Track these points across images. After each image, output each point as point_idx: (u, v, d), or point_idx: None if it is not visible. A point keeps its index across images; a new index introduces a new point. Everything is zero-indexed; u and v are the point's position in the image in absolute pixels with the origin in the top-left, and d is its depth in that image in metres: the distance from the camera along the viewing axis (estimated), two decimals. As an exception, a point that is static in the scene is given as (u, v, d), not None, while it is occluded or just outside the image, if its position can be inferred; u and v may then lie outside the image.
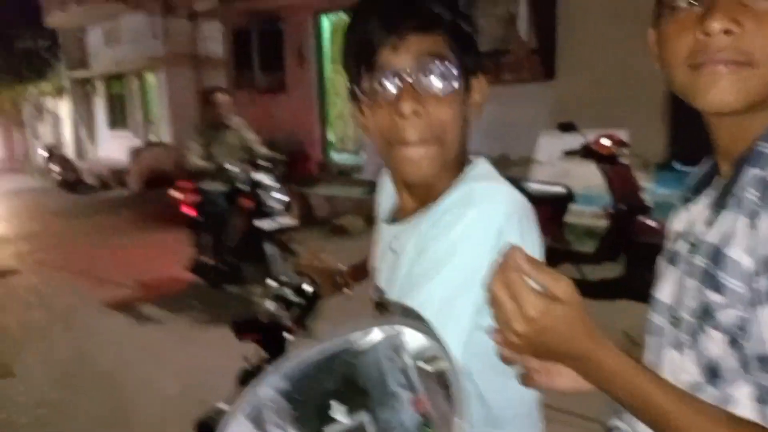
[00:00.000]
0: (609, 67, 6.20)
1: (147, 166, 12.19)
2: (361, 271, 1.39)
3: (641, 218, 4.30)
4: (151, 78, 14.51)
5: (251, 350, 1.32)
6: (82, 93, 17.39)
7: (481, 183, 0.86)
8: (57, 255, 7.27)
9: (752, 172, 0.67)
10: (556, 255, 4.41)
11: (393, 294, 0.91)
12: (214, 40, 12.83)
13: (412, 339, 0.56)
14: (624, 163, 4.51)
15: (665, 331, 0.78)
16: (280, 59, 10.22)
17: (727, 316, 0.65)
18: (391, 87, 0.82)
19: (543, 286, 0.62)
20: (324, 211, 8.36)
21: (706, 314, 0.68)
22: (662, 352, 0.78)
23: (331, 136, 10.13)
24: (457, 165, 0.90)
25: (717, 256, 0.68)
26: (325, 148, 10.05)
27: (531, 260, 0.62)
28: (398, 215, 0.99)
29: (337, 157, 9.99)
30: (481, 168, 0.91)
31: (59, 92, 17.99)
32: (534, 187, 4.59)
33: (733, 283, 0.65)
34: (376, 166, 8.99)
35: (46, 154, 15.26)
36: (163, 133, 13.61)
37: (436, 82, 0.82)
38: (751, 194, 0.66)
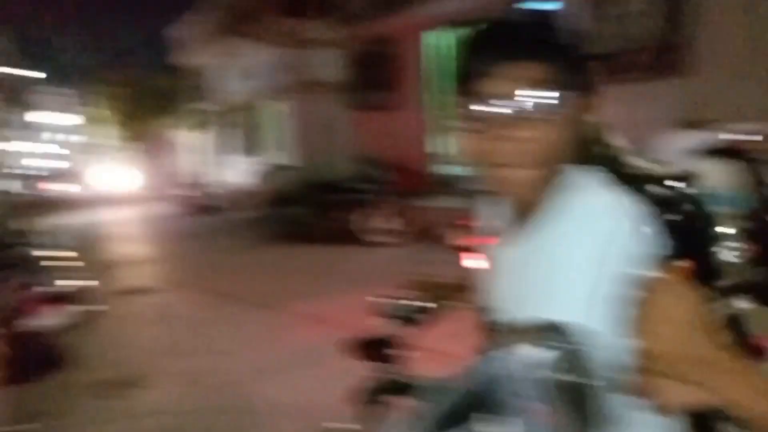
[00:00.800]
0: (743, 61, 5.62)
1: (273, 188, 12.83)
2: (470, 285, 1.35)
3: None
4: (278, 106, 15.39)
5: (373, 368, 1.30)
6: (218, 123, 18.80)
7: (596, 192, 0.88)
8: (188, 273, 7.80)
9: None
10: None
11: (518, 309, 0.91)
12: (329, 65, 13.36)
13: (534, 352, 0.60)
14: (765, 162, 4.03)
15: None
16: (393, 78, 10.41)
17: None
18: (486, 113, 0.86)
19: None
20: (435, 224, 8.31)
21: None
22: None
23: (440, 149, 10.15)
24: (556, 180, 0.92)
25: None
26: (435, 161, 10.07)
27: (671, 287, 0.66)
28: (510, 236, 1.00)
29: (447, 170, 9.98)
30: (581, 175, 0.92)
31: (201, 124, 19.56)
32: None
33: None
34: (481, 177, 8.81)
35: (185, 183, 16.57)
36: (291, 157, 14.31)
37: (530, 109, 0.84)
38: None
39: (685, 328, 0.64)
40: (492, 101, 0.85)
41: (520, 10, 0.91)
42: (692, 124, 4.26)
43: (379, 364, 1.28)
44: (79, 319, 4.52)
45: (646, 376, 0.68)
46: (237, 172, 17.91)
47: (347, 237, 8.25)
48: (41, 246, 5.25)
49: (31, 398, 4.20)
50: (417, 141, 10.06)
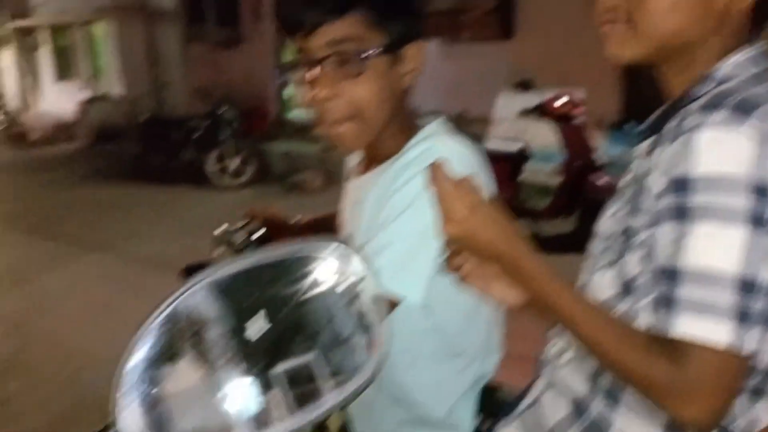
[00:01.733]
0: (566, 27, 6.22)
1: (95, 120, 11.76)
2: (320, 226, 1.42)
3: (592, 176, 4.42)
4: (99, 29, 13.89)
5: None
6: (26, 44, 16.54)
7: (439, 140, 0.91)
8: (3, 210, 7.00)
9: (683, 111, 0.72)
10: (512, 211, 4.49)
11: (355, 243, 0.95)
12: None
13: (369, 287, 0.59)
14: (578, 123, 4.59)
15: (597, 255, 0.84)
16: (235, 13, 9.89)
17: (643, 236, 0.73)
18: (307, 72, 0.87)
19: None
20: (282, 167, 8.26)
21: (628, 237, 0.75)
22: (591, 275, 0.84)
23: (288, 91, 9.94)
24: (407, 127, 0.96)
25: (640, 183, 0.75)
26: (283, 103, 9.87)
27: (449, 177, 0.72)
28: (359, 171, 1.06)
29: (295, 114, 9.83)
30: (438, 127, 0.97)
31: (1, 43, 17.05)
32: (491, 145, 4.64)
33: (646, 205, 0.72)
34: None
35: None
36: (113, 86, 13.12)
37: (347, 66, 0.85)
38: (672, 124, 0.72)
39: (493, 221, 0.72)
40: (309, 61, 0.86)
41: None
42: (520, 85, 4.70)
43: None
44: None
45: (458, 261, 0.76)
46: (50, 99, 16.06)
47: (189, 178, 7.87)
48: None
49: None
50: (264, 81, 9.75)
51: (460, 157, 0.88)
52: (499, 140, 4.93)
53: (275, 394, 0.55)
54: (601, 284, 0.80)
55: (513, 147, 4.74)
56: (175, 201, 7.24)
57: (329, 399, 0.57)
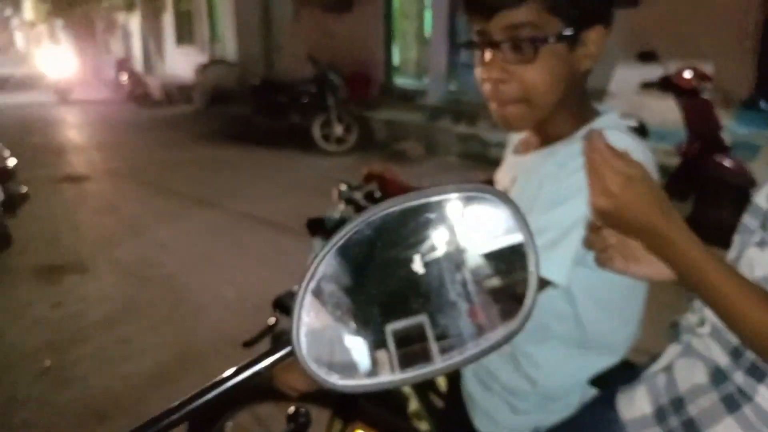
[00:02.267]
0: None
1: (211, 83, 12.34)
2: None
3: (717, 157, 4.08)
4: (217, -7, 14.48)
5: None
6: (152, 8, 17.56)
7: (617, 132, 0.89)
8: (124, 164, 7.57)
9: None
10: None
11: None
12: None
13: (473, 257, 0.59)
14: (704, 98, 4.24)
15: (754, 230, 0.79)
16: (347, -23, 9.95)
17: None
18: (483, 53, 0.91)
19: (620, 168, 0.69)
20: (384, 135, 8.32)
21: None
22: (744, 250, 0.79)
23: (395, 59, 9.91)
24: (580, 112, 0.96)
25: None
26: (389, 71, 9.86)
27: (609, 147, 0.70)
28: (521, 149, 1.07)
29: (401, 81, 9.81)
30: (613, 119, 0.95)
31: (130, 7, 18.22)
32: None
33: None
34: (439, 91, 8.83)
35: (115, 68, 15.64)
36: (228, 50, 13.67)
37: (522, 51, 0.87)
38: None
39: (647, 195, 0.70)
40: (486, 43, 0.89)
41: None
42: (642, 56, 4.39)
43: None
44: (7, 199, 4.35)
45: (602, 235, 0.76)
46: (173, 62, 17.02)
47: (296, 141, 8.15)
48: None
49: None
50: (372, 48, 9.78)
51: (632, 148, 0.86)
52: (613, 115, 4.66)
53: (384, 351, 0.57)
54: (756, 261, 0.76)
55: (630, 122, 4.46)
56: (281, 163, 7.50)
57: (438, 363, 0.57)
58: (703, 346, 0.83)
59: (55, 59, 15.60)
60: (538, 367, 1.02)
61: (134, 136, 9.98)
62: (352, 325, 0.57)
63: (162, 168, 7.36)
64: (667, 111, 4.54)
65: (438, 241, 0.58)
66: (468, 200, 0.58)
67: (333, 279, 0.54)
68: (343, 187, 1.44)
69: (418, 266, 0.57)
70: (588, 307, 0.97)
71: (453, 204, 0.58)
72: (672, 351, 0.90)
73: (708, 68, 4.47)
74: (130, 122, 11.49)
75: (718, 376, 0.80)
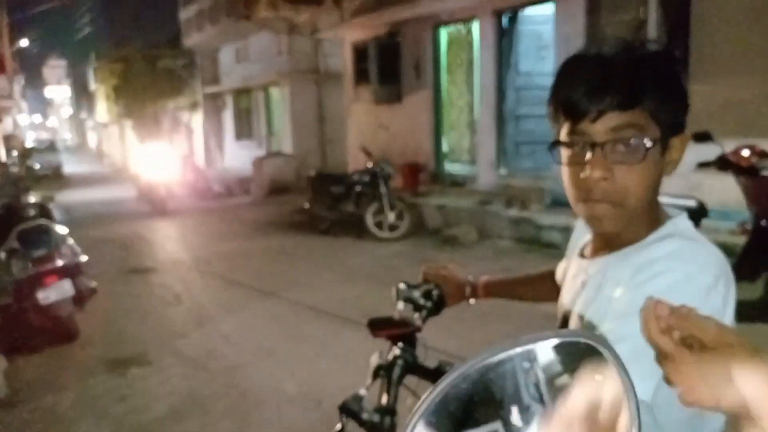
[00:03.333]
0: (748, 73, 5.74)
1: (268, 175, 12.85)
2: (492, 289, 1.46)
3: (786, 236, 3.93)
4: (275, 92, 15.34)
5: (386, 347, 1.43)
6: (213, 107, 18.75)
7: (691, 241, 0.89)
8: (188, 255, 7.85)
9: None
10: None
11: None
12: (334, 56, 13.34)
13: (545, 354, 0.57)
14: (765, 176, 4.14)
15: None
16: (397, 72, 10.42)
17: None
18: (584, 154, 0.90)
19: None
20: (437, 221, 8.39)
21: None
22: None
23: (444, 147, 10.15)
24: (653, 217, 0.95)
25: None
26: (439, 158, 10.08)
27: (674, 310, 0.65)
28: (588, 252, 1.06)
29: (451, 168, 9.99)
30: (685, 224, 0.95)
31: (194, 106, 19.51)
32: (663, 200, 4.32)
33: None
34: (489, 177, 8.93)
35: (184, 164, 16.50)
36: (284, 144, 14.31)
37: (627, 153, 0.88)
38: None
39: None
40: (591, 144, 0.89)
41: (612, 39, 0.93)
42: (698, 136, 4.37)
43: (390, 344, 1.42)
44: (77, 294, 4.57)
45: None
46: (231, 156, 17.90)
47: (350, 230, 8.33)
48: (51, 220, 5.29)
49: (35, 371, 4.25)
50: (422, 137, 10.09)
51: (713, 261, 0.87)
52: (671, 195, 4.59)
53: None
54: None
55: (690, 202, 4.37)
56: (337, 251, 7.63)
57: None
58: None
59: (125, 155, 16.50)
60: None
61: (197, 228, 10.38)
62: None
63: (223, 259, 7.59)
64: (726, 190, 4.45)
65: (538, 395, 0.57)
66: (565, 346, 0.58)
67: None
68: (402, 286, 1.46)
69: (522, 368, 0.56)
70: (671, 417, 0.91)
71: (549, 351, 0.57)
72: None
73: (765, 145, 4.40)
74: (194, 214, 11.98)
75: None
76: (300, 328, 4.83)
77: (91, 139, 44.39)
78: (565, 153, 0.93)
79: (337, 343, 4.33)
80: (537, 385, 0.57)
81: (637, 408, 0.57)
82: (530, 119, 8.55)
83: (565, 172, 0.95)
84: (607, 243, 1.00)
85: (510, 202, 7.81)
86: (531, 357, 0.57)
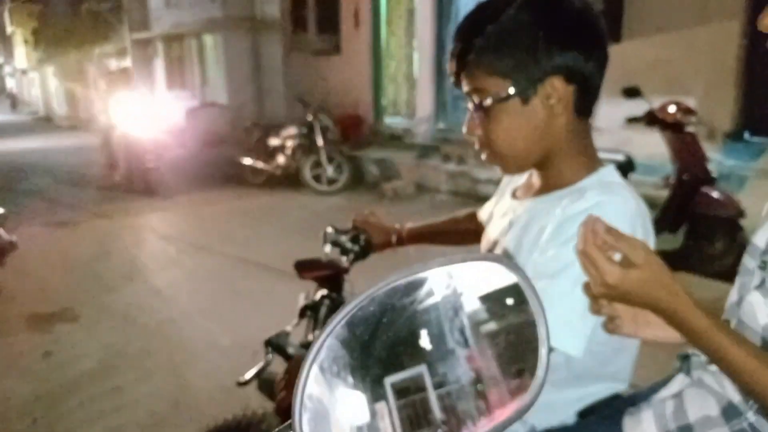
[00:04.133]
0: (677, 31, 5.90)
1: (202, 127, 12.43)
2: (417, 236, 1.51)
3: (705, 189, 4.13)
4: (209, 40, 14.71)
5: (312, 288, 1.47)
6: (143, 54, 17.81)
7: (612, 195, 0.93)
8: (118, 207, 7.55)
9: None
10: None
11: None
12: (270, 2, 12.85)
13: (470, 301, 0.58)
14: (690, 132, 4.32)
15: (754, 273, 0.81)
16: (335, 22, 10.15)
17: None
18: (466, 100, 1.01)
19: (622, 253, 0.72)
20: (375, 174, 8.37)
21: None
22: (746, 295, 0.80)
23: (383, 100, 10.05)
24: (582, 161, 0.99)
25: None
26: (378, 111, 9.99)
27: (609, 230, 0.71)
28: (521, 193, 1.11)
29: (390, 121, 9.93)
30: (611, 175, 0.99)
31: (122, 53, 18.49)
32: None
33: None
34: (428, 130, 8.93)
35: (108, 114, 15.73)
36: (219, 95, 13.83)
37: (480, 108, 0.98)
38: None
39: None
40: (469, 93, 0.98)
41: None
42: (627, 92, 4.48)
43: (317, 285, 1.47)
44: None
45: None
46: (161, 107, 17.18)
47: (287, 183, 8.19)
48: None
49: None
50: (361, 89, 9.93)
51: (625, 220, 0.90)
52: (602, 150, 4.72)
53: (383, 405, 0.55)
54: (757, 308, 0.77)
55: (618, 157, 4.52)
56: (272, 205, 7.52)
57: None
58: (715, 382, 0.84)
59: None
60: None
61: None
62: (357, 400, 0.56)
63: (153, 212, 7.34)
64: (653, 145, 4.62)
65: (445, 314, 0.57)
66: (474, 269, 0.58)
67: (337, 356, 0.54)
68: (330, 230, 1.51)
69: (425, 344, 0.57)
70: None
71: (459, 273, 0.57)
72: (681, 380, 0.92)
73: (691, 103, 4.57)
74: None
75: (731, 412, 0.81)
76: (235, 283, 4.76)
77: (9, 86, 41.58)
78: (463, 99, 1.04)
79: (273, 295, 4.30)
80: (462, 330, 0.58)
81: (547, 330, 0.57)
82: (469, 73, 8.55)
83: (465, 118, 1.03)
84: (540, 184, 1.05)
85: (448, 156, 7.86)
86: (447, 282, 0.57)
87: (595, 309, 0.79)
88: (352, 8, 9.80)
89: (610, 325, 0.81)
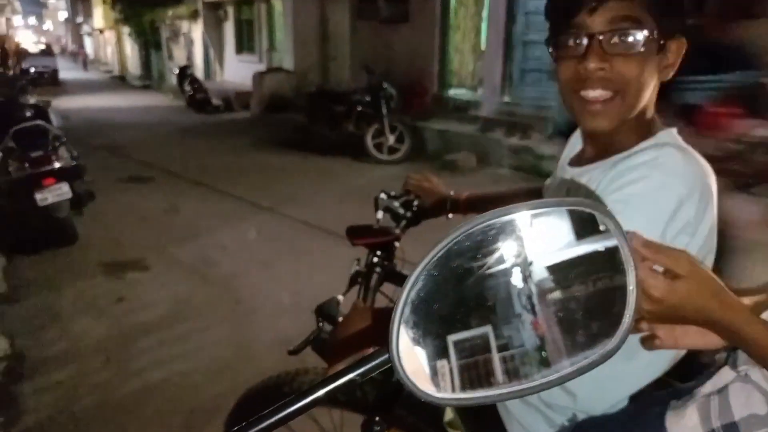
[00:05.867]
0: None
1: (268, 91, 12.63)
2: (474, 204, 1.43)
3: None
4: (278, 5, 14.82)
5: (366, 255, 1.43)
6: (214, 18, 18.14)
7: (671, 151, 0.89)
8: (186, 167, 7.82)
9: None
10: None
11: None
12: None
13: (540, 269, 0.58)
14: None
15: None
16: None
17: None
18: (582, 45, 0.90)
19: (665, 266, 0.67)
20: (437, 145, 8.33)
21: None
22: None
23: (449, 71, 9.93)
24: (644, 126, 0.95)
25: None
26: (443, 82, 9.88)
27: (648, 244, 0.67)
28: (578, 160, 1.06)
29: (454, 92, 9.82)
30: (671, 137, 0.94)
31: (194, 16, 18.87)
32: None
33: None
34: (493, 103, 8.79)
35: (177, 74, 16.18)
36: (285, 60, 13.98)
37: (624, 44, 0.88)
38: None
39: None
40: (588, 35, 0.89)
41: None
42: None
43: (368, 252, 1.42)
44: (75, 197, 4.59)
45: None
46: (231, 70, 17.51)
47: (349, 150, 8.27)
48: (49, 122, 5.23)
49: (34, 270, 4.33)
50: (427, 59, 9.83)
51: (691, 173, 0.88)
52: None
53: (445, 362, 0.56)
54: None
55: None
56: (334, 171, 7.62)
57: (536, 380, 0.57)
58: (763, 378, 0.81)
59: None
60: (578, 380, 0.99)
61: (195, 141, 10.31)
62: (447, 339, 0.56)
63: (220, 172, 7.58)
64: None
65: (533, 258, 0.58)
66: (566, 213, 0.58)
67: (428, 293, 0.55)
68: (383, 196, 1.46)
69: (516, 282, 0.58)
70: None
71: (549, 218, 0.58)
72: (726, 375, 0.88)
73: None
74: (192, 127, 11.88)
75: None
76: (295, 243, 4.89)
77: (87, 45, 43.24)
78: (562, 47, 0.92)
79: (332, 258, 4.39)
80: (529, 297, 0.58)
81: (636, 277, 0.57)
82: (538, 46, 8.30)
83: (561, 68, 0.94)
84: (596, 151, 1.00)
85: (511, 130, 7.73)
86: (528, 221, 0.58)
87: (636, 327, 0.76)
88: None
89: (649, 344, 0.79)
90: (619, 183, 0.88)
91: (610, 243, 0.58)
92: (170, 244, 4.88)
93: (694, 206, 0.86)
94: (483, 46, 9.12)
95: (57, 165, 4.48)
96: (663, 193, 0.85)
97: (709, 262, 0.92)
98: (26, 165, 4.38)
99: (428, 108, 9.45)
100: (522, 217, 0.56)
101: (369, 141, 8.05)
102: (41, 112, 5.61)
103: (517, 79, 8.55)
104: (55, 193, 4.39)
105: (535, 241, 0.58)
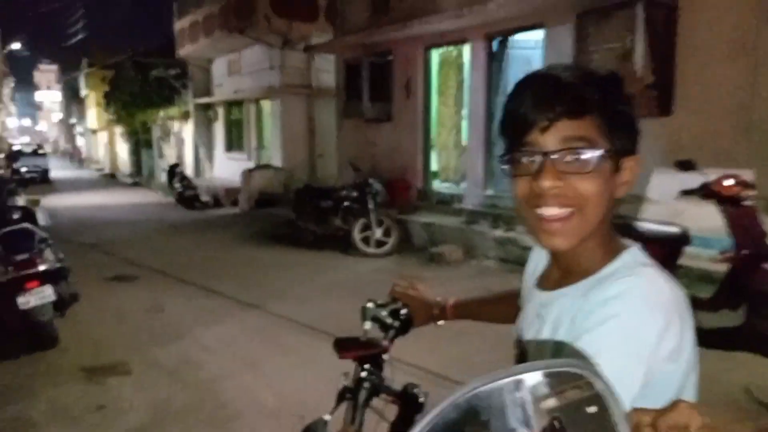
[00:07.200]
0: (729, 105, 5.87)
1: (256, 186, 12.84)
2: (461, 310, 1.44)
3: (766, 266, 3.98)
4: (267, 106, 15.37)
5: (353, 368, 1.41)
6: (205, 118, 18.72)
7: (641, 279, 0.87)
8: (172, 264, 7.79)
9: None
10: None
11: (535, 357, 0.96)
12: (326, 72, 13.43)
13: (532, 377, 0.57)
14: (749, 205, 4.21)
15: None
16: (388, 91, 10.50)
17: None
18: (535, 163, 0.89)
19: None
20: (423, 239, 8.41)
21: None
22: None
23: (433, 166, 10.21)
24: (606, 244, 0.94)
25: None
26: (427, 176, 10.13)
27: (647, 412, 0.68)
28: (545, 282, 1.04)
29: (438, 186, 10.05)
30: (637, 258, 0.93)
31: (185, 117, 19.48)
32: (646, 226, 4.37)
33: None
34: (476, 196, 8.99)
35: (167, 171, 16.46)
36: (274, 157, 14.32)
37: (578, 162, 0.88)
38: None
39: None
40: (541, 153, 0.88)
41: (563, 64, 0.94)
42: (681, 164, 4.43)
43: (356, 365, 1.39)
44: (59, 299, 4.53)
45: None
46: (221, 167, 17.86)
47: (337, 244, 8.34)
48: (36, 224, 5.24)
49: (11, 374, 4.19)
50: (411, 155, 10.14)
51: (659, 306, 0.85)
52: (654, 222, 4.64)
53: None
54: None
55: (673, 229, 4.44)
56: (322, 265, 7.62)
57: None
58: None
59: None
60: None
61: (183, 237, 10.32)
62: None
63: (207, 268, 7.55)
64: (708, 217, 4.51)
65: (524, 418, 0.56)
66: (554, 375, 0.58)
67: None
68: (370, 305, 1.43)
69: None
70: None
71: (538, 381, 0.57)
72: None
73: (749, 176, 4.48)
74: (181, 222, 11.93)
75: None
76: (281, 341, 4.81)
77: (80, 144, 44.18)
78: (517, 164, 0.92)
79: (319, 357, 4.31)
80: (524, 408, 0.56)
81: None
82: (519, 141, 8.63)
83: (516, 185, 0.93)
84: (562, 273, 0.99)
85: (496, 222, 7.86)
86: (519, 386, 0.57)
87: None
88: (404, 79, 10.14)
89: None
90: (594, 320, 0.85)
91: (596, 407, 0.57)
92: (154, 345, 4.77)
93: (676, 332, 0.84)
94: (465, 142, 9.44)
95: (41, 268, 4.45)
96: (641, 330, 0.82)
97: (694, 376, 0.89)
98: (10, 268, 4.35)
99: (414, 202, 9.63)
100: (509, 385, 0.56)
101: (356, 235, 8.12)
102: (28, 213, 5.64)
103: (499, 173, 8.79)
104: (38, 296, 4.34)
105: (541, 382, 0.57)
